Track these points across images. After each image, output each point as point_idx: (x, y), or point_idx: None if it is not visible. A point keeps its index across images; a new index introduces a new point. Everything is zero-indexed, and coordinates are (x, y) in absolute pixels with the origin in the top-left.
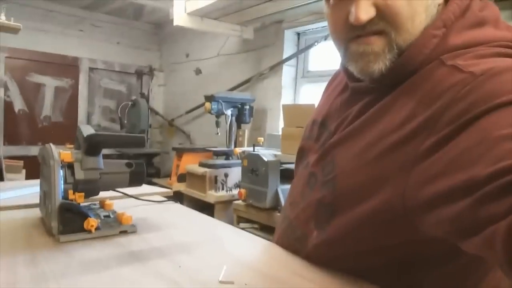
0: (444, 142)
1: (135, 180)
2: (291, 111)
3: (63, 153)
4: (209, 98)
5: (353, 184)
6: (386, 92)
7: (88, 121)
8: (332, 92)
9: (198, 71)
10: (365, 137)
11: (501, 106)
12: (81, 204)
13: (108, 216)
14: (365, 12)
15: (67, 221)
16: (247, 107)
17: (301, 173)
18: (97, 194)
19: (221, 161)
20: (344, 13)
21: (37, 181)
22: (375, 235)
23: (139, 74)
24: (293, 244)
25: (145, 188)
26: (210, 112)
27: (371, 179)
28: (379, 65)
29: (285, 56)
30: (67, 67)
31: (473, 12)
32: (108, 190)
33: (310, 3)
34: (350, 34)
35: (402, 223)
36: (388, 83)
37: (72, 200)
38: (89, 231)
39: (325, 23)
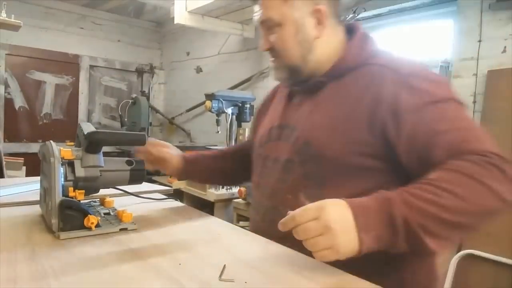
0: (413, 114)
1: (135, 177)
2: None
3: (63, 150)
4: (210, 97)
5: (334, 148)
6: (330, 82)
7: (89, 119)
8: (277, 104)
9: (198, 70)
10: (327, 113)
11: (444, 101)
12: (82, 202)
13: (108, 214)
14: (262, 45)
15: (67, 218)
16: (248, 105)
17: (272, 167)
18: (98, 191)
19: None
20: None
21: (38, 178)
22: (363, 181)
23: (139, 72)
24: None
25: (145, 186)
26: (210, 111)
27: (350, 140)
28: (280, 75)
29: None
30: (67, 64)
31: (369, 37)
32: (108, 187)
33: None
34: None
35: (385, 163)
36: (333, 76)
37: (72, 197)
38: (89, 229)
39: None
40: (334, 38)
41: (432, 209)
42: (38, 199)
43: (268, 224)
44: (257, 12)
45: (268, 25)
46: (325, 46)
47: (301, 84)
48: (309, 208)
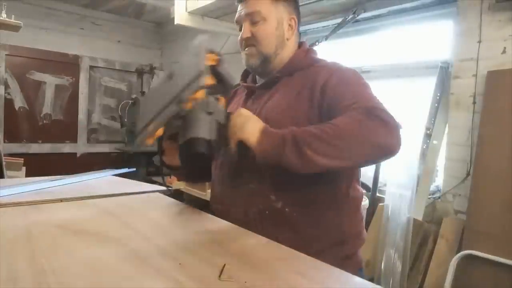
0: (332, 88)
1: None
2: None
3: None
4: None
5: (286, 122)
6: (283, 79)
7: (89, 119)
8: (237, 103)
9: None
10: (279, 100)
11: (352, 82)
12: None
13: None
14: (244, 33)
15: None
16: None
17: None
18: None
19: None
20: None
21: (38, 179)
22: None
23: (139, 72)
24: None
25: (145, 186)
26: None
27: (297, 114)
28: (253, 61)
29: None
30: (67, 65)
31: (312, 50)
32: (189, 133)
33: (311, 2)
34: (242, 46)
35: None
36: (283, 75)
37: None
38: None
39: (326, 23)
40: (293, 46)
41: (314, 131)
42: (38, 199)
43: (235, 193)
44: (243, 9)
45: (254, 18)
46: (288, 48)
47: (261, 80)
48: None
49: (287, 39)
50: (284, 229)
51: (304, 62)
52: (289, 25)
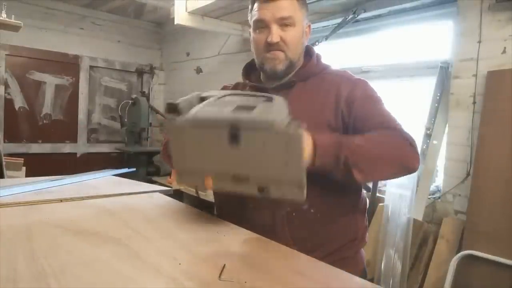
0: (359, 103)
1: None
2: None
3: None
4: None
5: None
6: (298, 83)
7: (89, 119)
8: None
9: (198, 70)
10: (299, 104)
11: (373, 98)
12: None
13: None
14: (275, 37)
15: None
16: None
17: None
18: None
19: None
20: (264, 37)
21: (37, 179)
22: None
23: (139, 72)
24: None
25: (145, 186)
26: None
27: (319, 121)
28: (280, 67)
29: None
30: (67, 65)
31: (320, 56)
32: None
33: (311, 2)
34: (267, 48)
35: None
36: (299, 79)
37: None
38: None
39: (326, 23)
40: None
41: (362, 151)
42: (38, 199)
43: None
44: (272, 10)
45: (284, 22)
46: (303, 54)
47: (277, 82)
48: None
49: (304, 45)
50: (307, 230)
51: (317, 68)
52: (305, 31)
